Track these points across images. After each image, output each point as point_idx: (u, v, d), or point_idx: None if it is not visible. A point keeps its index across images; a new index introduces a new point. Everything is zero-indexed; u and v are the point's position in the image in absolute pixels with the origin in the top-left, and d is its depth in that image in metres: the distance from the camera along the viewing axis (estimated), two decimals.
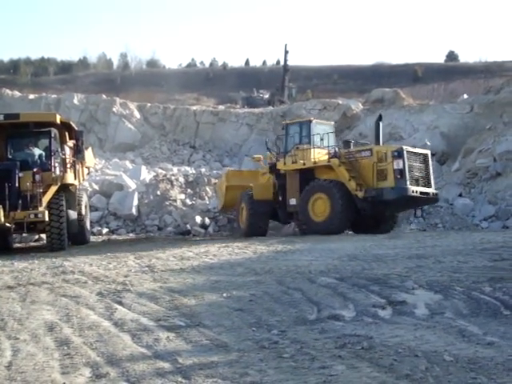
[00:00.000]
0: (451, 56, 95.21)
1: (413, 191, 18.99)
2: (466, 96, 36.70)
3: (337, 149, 20.61)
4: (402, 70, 74.04)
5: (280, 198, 21.27)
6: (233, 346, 6.59)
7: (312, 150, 20.53)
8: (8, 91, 40.46)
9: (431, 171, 20.11)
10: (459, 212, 24.54)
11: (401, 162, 18.90)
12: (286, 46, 54.44)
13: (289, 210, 21.00)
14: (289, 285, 9.73)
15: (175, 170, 32.01)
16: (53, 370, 5.98)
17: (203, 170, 31.54)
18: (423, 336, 6.76)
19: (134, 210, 24.86)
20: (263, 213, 21.24)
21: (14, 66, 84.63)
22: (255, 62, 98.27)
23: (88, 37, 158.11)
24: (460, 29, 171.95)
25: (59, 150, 17.77)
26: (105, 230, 23.94)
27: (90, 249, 17.76)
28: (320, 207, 19.58)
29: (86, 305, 8.85)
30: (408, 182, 18.96)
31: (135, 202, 25.07)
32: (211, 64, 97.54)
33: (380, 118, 20.89)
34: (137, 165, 31.83)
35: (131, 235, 23.48)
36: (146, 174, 28.56)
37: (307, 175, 20.49)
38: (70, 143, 18.52)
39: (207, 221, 24.88)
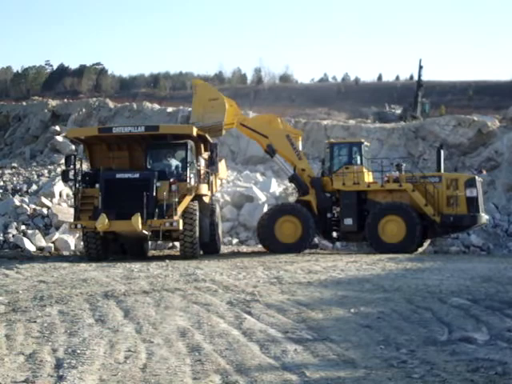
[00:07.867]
0: None
1: (486, 219, 20.65)
2: None
3: (397, 173, 21.03)
4: None
5: (335, 215, 20.93)
6: (360, 363, 6.56)
7: (366, 172, 20.69)
8: (148, 104, 42.06)
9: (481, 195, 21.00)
10: None
11: (474, 190, 19.85)
12: (420, 60, 53.64)
13: (344, 229, 20.74)
14: (418, 304, 9.55)
15: None
16: (185, 375, 6.19)
17: None
18: None
19: None
20: (315, 227, 20.68)
21: (155, 80, 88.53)
22: (388, 77, 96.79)
23: (224, 52, 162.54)
24: None
25: (195, 161, 18.33)
26: (234, 241, 24.42)
27: (221, 258, 18.18)
28: (392, 229, 19.66)
29: (217, 313, 9.09)
30: (481, 209, 20.00)
31: None
32: (343, 79, 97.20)
33: (441, 147, 21.94)
34: (267, 177, 32.24)
35: (260, 246, 23.78)
36: (276, 187, 28.85)
37: (361, 195, 20.53)
38: (205, 155, 19.09)
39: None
